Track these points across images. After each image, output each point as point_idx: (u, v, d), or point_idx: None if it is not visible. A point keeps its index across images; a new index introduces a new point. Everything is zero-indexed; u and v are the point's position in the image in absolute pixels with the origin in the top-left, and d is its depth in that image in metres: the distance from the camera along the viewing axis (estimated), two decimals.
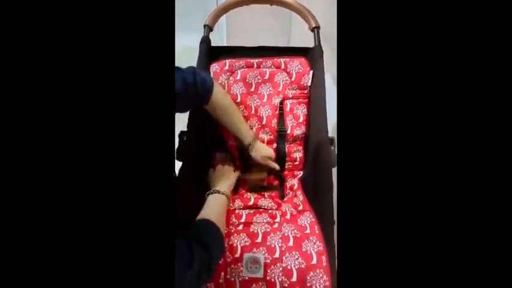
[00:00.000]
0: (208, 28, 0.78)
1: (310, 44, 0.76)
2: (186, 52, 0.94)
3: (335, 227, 0.59)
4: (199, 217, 0.53)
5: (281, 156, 0.75)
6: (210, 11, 0.80)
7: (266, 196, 0.70)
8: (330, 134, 0.67)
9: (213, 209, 0.58)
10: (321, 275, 0.54)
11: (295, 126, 0.75)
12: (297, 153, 0.75)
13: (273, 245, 0.57)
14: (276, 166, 0.72)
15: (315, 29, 0.76)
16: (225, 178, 0.67)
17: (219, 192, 0.61)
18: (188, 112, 0.68)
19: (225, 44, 1.36)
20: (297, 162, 0.75)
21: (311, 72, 0.73)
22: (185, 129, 0.68)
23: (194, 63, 0.73)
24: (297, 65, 0.75)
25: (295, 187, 0.72)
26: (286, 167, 0.76)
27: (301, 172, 0.75)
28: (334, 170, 0.61)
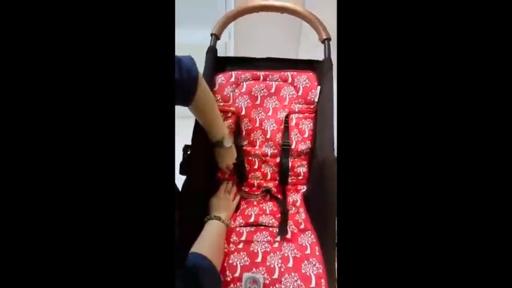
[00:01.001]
0: (215, 37, 0.76)
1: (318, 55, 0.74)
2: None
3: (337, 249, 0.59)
4: (197, 246, 0.53)
5: (284, 171, 0.74)
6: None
7: (268, 212, 0.70)
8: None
9: (211, 237, 0.57)
10: None
11: (300, 141, 0.74)
12: (301, 168, 0.75)
13: (272, 266, 0.57)
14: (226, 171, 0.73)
15: (326, 41, 0.74)
16: (226, 206, 0.67)
17: (219, 219, 0.61)
18: (193, 126, 0.67)
19: (232, 45, 1.33)
20: (300, 177, 0.75)
21: (318, 87, 0.72)
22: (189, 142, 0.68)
23: (201, 60, 0.71)
24: (304, 79, 0.73)
25: (298, 203, 0.71)
26: (289, 181, 0.75)
27: (305, 187, 0.75)
28: None
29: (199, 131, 0.67)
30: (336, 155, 0.64)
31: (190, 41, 0.99)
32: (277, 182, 0.76)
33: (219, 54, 0.77)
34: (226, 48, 1.35)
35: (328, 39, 0.74)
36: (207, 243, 0.55)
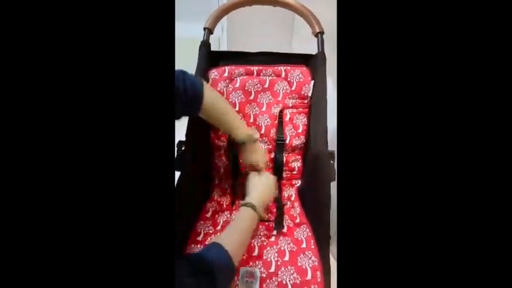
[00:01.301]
0: (208, 31, 0.75)
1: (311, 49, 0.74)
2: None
3: (331, 241, 0.60)
4: (222, 236, 0.50)
5: (278, 166, 0.74)
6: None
7: None
8: (331, 143, 0.66)
9: (237, 230, 0.53)
10: None
11: (294, 136, 0.74)
12: (295, 162, 0.75)
13: (269, 259, 0.58)
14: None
15: (319, 35, 0.74)
16: (269, 192, 0.63)
17: (254, 208, 0.56)
18: (187, 122, 0.67)
19: (225, 38, 1.32)
20: (295, 172, 0.75)
21: (312, 82, 0.72)
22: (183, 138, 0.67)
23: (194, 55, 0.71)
24: (298, 74, 0.73)
25: (293, 198, 0.72)
26: (284, 176, 0.76)
27: (299, 181, 0.75)
28: (333, 184, 0.62)
29: (193, 127, 0.66)
30: (328, 149, 0.64)
31: (185, 35, 0.97)
32: None
33: (212, 49, 0.77)
34: (219, 42, 1.34)
35: (321, 32, 0.74)
36: (230, 236, 0.51)
